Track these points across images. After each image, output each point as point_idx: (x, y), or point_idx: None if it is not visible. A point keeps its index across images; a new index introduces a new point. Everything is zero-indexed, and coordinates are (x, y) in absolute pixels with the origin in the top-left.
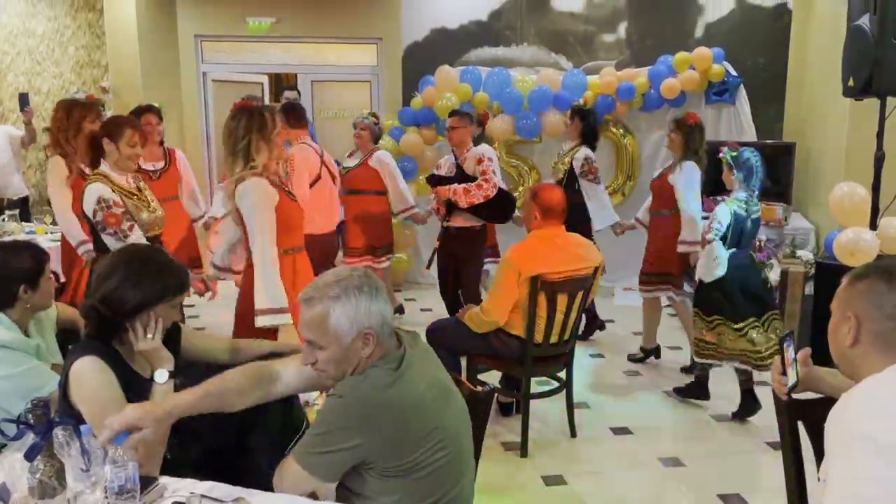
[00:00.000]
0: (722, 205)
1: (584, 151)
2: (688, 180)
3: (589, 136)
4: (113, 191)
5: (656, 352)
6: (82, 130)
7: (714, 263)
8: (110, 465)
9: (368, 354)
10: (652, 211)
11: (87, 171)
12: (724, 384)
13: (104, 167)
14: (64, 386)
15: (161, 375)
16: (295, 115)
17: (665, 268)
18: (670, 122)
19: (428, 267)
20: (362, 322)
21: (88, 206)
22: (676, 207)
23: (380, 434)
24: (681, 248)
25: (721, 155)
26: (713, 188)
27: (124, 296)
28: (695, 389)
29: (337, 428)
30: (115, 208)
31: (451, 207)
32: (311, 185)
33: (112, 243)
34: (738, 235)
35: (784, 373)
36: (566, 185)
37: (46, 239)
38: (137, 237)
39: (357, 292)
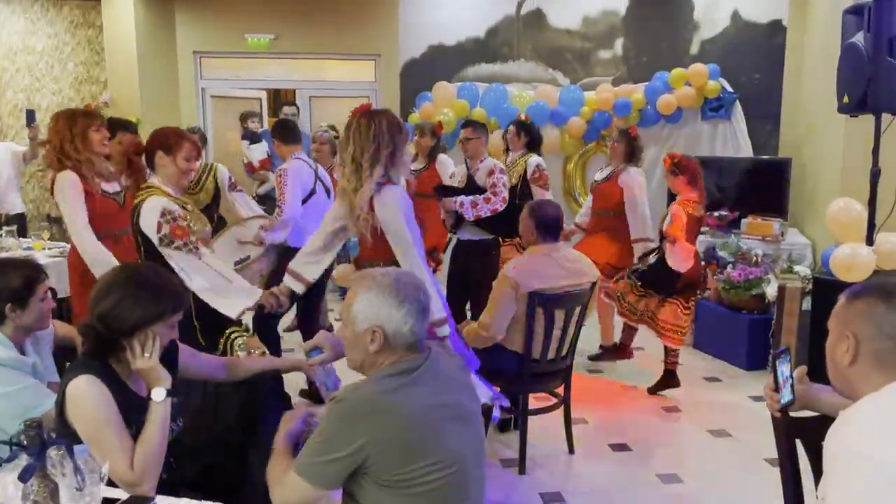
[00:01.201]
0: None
1: (536, 159)
2: (641, 183)
3: (534, 146)
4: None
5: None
6: (89, 139)
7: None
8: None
9: (375, 352)
10: (596, 211)
11: (105, 184)
12: (722, 399)
13: (154, 180)
14: (60, 404)
15: (158, 394)
16: (287, 132)
17: (622, 262)
18: (615, 133)
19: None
20: (374, 319)
21: (150, 219)
22: (622, 208)
23: (376, 435)
24: (640, 244)
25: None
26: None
27: (122, 314)
28: (665, 380)
29: (336, 433)
30: (180, 220)
31: (459, 219)
32: (305, 201)
33: (181, 257)
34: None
35: (776, 389)
36: (520, 192)
37: (44, 255)
38: (203, 251)
39: (383, 292)
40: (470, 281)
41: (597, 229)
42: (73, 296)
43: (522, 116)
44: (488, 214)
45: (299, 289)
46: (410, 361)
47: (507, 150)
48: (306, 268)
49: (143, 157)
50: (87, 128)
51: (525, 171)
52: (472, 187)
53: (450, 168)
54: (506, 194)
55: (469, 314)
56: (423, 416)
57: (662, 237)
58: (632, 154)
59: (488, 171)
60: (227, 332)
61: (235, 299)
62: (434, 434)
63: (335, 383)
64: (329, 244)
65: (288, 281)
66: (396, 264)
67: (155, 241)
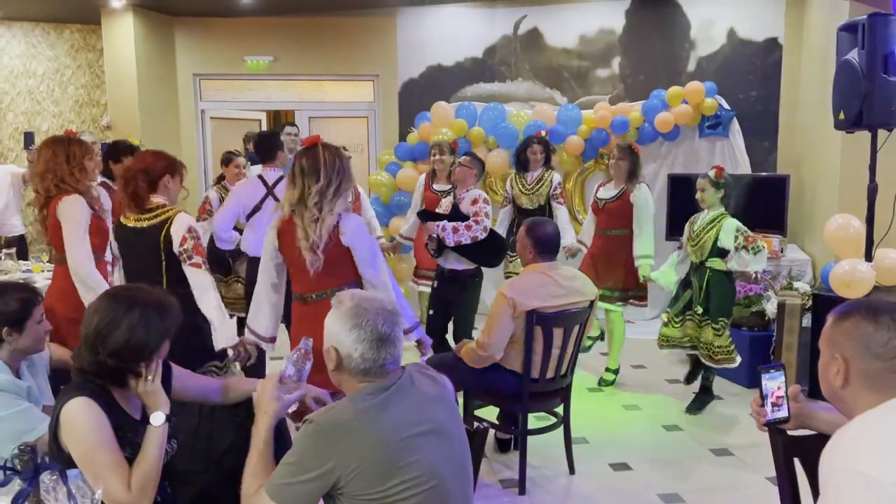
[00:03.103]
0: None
1: (557, 176)
2: (650, 200)
3: (549, 162)
4: None
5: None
6: (86, 169)
7: None
8: None
9: (334, 370)
10: (605, 230)
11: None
12: (723, 417)
13: (160, 200)
14: (55, 427)
15: (157, 418)
16: (259, 149)
17: (636, 282)
18: (616, 150)
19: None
20: (330, 338)
21: (178, 234)
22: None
23: (347, 457)
24: (644, 260)
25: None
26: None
27: (140, 342)
28: (704, 398)
29: (306, 455)
30: (200, 240)
31: (441, 246)
32: (251, 215)
33: (199, 273)
34: None
35: (762, 404)
36: (549, 211)
37: (43, 277)
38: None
39: (343, 315)
40: (450, 309)
41: (607, 249)
42: (59, 322)
43: (543, 133)
44: (468, 242)
45: (266, 346)
46: (382, 382)
47: (525, 168)
48: (260, 323)
49: (145, 180)
50: (83, 157)
51: (549, 190)
52: (455, 214)
53: None
54: (487, 223)
55: (451, 341)
56: (395, 435)
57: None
58: (635, 171)
59: (472, 200)
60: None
61: (218, 338)
62: (408, 451)
63: (297, 376)
64: (277, 288)
65: (252, 338)
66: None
67: (175, 252)
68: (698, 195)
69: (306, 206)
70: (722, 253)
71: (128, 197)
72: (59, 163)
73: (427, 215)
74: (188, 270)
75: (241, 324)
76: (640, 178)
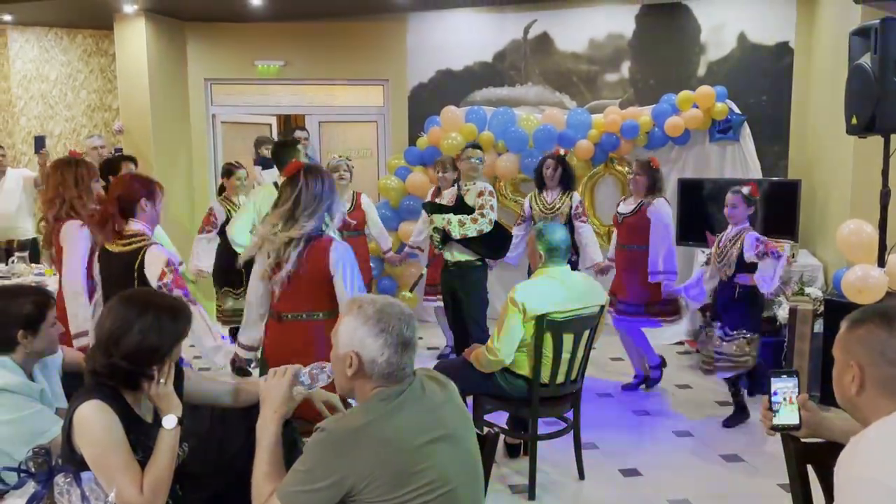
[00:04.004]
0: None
1: (577, 196)
2: (670, 213)
3: (568, 181)
4: None
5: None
6: (92, 191)
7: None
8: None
9: (352, 376)
10: (625, 245)
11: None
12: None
13: (137, 227)
14: (68, 430)
15: (170, 421)
16: (275, 157)
17: (659, 296)
18: (635, 166)
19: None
20: (353, 344)
21: (154, 269)
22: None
23: (360, 465)
24: (661, 276)
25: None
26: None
27: (153, 345)
28: (738, 415)
29: (318, 464)
30: (177, 271)
31: (445, 238)
32: None
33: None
34: None
35: (770, 408)
36: (569, 230)
37: (55, 281)
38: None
39: (366, 320)
40: (461, 304)
41: (628, 265)
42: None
43: (562, 151)
44: (474, 234)
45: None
46: (394, 388)
47: (542, 187)
48: (254, 337)
49: (120, 206)
50: (90, 180)
51: (570, 210)
52: (459, 206)
53: None
54: (493, 216)
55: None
56: (408, 442)
57: (736, 271)
58: (654, 186)
59: (478, 192)
60: None
61: (219, 356)
62: (421, 458)
63: (310, 386)
64: (264, 301)
65: (246, 354)
66: (327, 313)
67: (154, 286)
68: (727, 210)
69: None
70: (750, 267)
71: (102, 224)
72: (67, 186)
73: (433, 207)
74: None
75: None
76: (661, 193)
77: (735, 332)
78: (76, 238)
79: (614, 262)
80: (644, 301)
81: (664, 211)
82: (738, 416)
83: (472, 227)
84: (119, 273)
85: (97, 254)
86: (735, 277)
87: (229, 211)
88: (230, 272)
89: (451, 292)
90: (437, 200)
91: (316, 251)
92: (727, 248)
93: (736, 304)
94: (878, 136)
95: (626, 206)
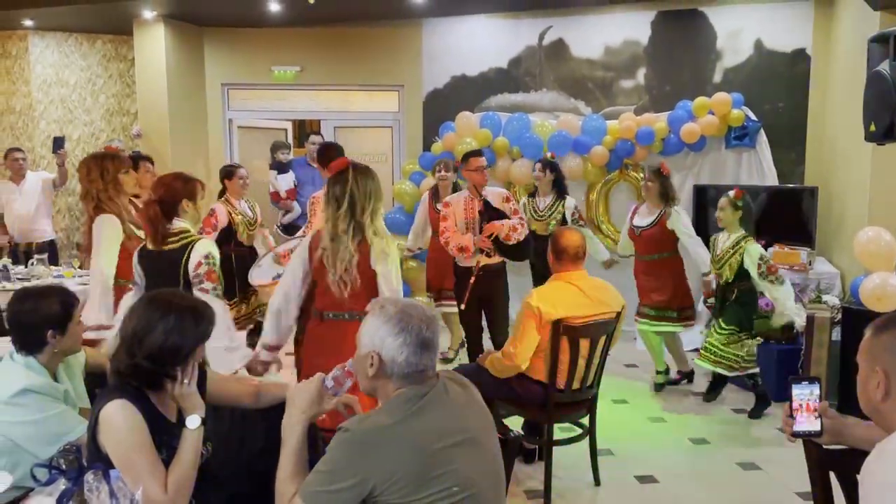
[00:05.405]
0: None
1: (571, 201)
2: (688, 221)
3: (561, 186)
4: None
5: (691, 374)
6: (120, 183)
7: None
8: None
9: (373, 376)
10: (649, 255)
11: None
12: (751, 431)
13: (182, 224)
14: (93, 428)
15: (193, 421)
16: (331, 158)
17: (688, 301)
18: (647, 173)
19: (462, 304)
20: (374, 344)
21: (195, 257)
22: (675, 248)
23: (383, 466)
24: (708, 275)
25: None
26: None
27: (175, 345)
28: (760, 406)
29: (341, 464)
30: (215, 267)
31: (499, 245)
32: None
33: (207, 299)
34: None
35: (791, 415)
36: None
37: (74, 282)
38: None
39: (387, 319)
40: (488, 308)
41: (651, 274)
42: None
43: (549, 155)
44: (522, 239)
45: (273, 357)
46: (417, 389)
47: (534, 192)
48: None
49: (164, 209)
50: (116, 172)
51: (564, 215)
52: (493, 212)
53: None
54: (523, 216)
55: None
56: (430, 444)
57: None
58: (666, 192)
59: (504, 198)
60: None
61: (234, 358)
62: (444, 461)
63: (334, 391)
64: (299, 301)
65: (268, 356)
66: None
67: (190, 275)
68: (718, 213)
69: (339, 230)
70: (749, 275)
71: (148, 226)
72: (93, 180)
73: (490, 214)
74: (197, 294)
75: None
76: (676, 201)
77: (729, 329)
78: (107, 229)
79: (634, 270)
80: (667, 307)
81: (686, 220)
82: (761, 406)
83: (522, 231)
84: (165, 271)
85: (138, 254)
86: (760, 299)
87: (231, 213)
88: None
89: (477, 296)
90: (439, 205)
91: (362, 249)
92: (725, 255)
93: (735, 302)
94: None
95: (643, 219)
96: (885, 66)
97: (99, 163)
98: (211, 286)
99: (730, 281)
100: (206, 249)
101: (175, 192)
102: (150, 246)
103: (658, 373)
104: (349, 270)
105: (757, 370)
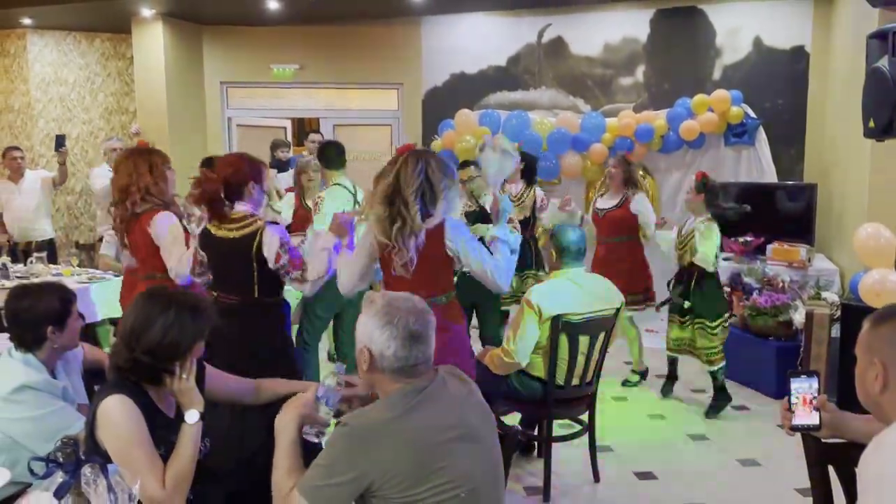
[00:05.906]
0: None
1: (539, 191)
2: (650, 206)
3: (530, 174)
4: None
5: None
6: (167, 179)
7: None
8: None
9: (367, 371)
10: (608, 238)
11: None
12: (750, 427)
13: (245, 208)
14: (91, 424)
15: (192, 416)
16: (331, 157)
17: (650, 282)
18: (612, 160)
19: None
20: (363, 338)
21: (272, 249)
22: (635, 233)
23: (381, 461)
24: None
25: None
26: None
27: (174, 340)
28: (721, 400)
29: (339, 458)
30: (293, 250)
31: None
32: None
33: (302, 286)
34: None
35: (790, 409)
36: (532, 224)
37: (72, 281)
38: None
39: (375, 314)
40: (478, 308)
41: (610, 257)
42: None
43: (516, 144)
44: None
45: None
46: (416, 384)
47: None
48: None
49: (226, 190)
50: (163, 167)
51: (534, 203)
52: (488, 215)
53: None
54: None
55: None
56: (428, 439)
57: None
58: (630, 178)
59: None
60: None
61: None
62: (442, 456)
63: (333, 403)
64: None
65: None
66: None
67: (272, 268)
68: (685, 197)
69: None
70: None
71: (208, 208)
72: (142, 174)
73: (474, 218)
74: (291, 285)
75: None
76: (641, 187)
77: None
78: (171, 228)
79: (592, 259)
80: (626, 291)
81: (649, 205)
82: (719, 400)
83: (517, 235)
84: (236, 258)
85: (201, 239)
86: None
87: None
88: None
89: (466, 298)
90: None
91: (432, 231)
92: (686, 238)
93: (696, 289)
94: (895, 140)
95: (606, 202)
96: (883, 63)
97: (146, 157)
98: (299, 273)
99: (692, 263)
100: (277, 237)
101: (242, 173)
102: (213, 230)
103: (633, 371)
104: (407, 253)
105: (723, 364)
